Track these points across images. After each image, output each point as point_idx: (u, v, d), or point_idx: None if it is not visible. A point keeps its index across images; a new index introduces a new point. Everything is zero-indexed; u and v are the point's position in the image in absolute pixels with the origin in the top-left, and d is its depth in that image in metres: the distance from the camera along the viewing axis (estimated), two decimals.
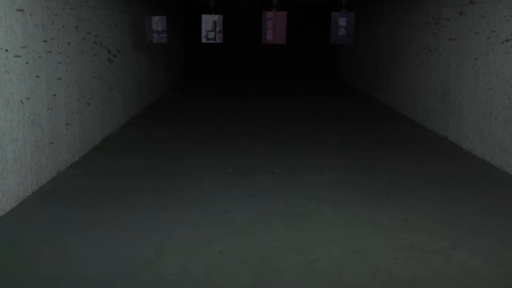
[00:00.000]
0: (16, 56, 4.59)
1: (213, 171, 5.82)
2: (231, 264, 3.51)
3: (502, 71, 5.77)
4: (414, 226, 4.25)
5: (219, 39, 7.87)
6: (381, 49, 10.94)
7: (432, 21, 7.86)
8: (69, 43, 5.89)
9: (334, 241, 3.94)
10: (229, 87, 14.10)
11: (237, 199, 4.91)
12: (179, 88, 13.92)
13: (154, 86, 11.29)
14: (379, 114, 9.68)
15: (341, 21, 7.30)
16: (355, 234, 4.09)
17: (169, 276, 3.32)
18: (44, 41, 5.20)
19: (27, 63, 4.82)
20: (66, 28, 5.82)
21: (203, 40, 7.86)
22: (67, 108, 5.86)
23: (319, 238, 4.00)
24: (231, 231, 4.11)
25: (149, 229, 4.14)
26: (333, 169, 5.91)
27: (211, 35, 7.81)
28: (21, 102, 4.70)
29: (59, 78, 5.62)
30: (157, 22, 8.42)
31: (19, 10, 4.66)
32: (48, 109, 5.32)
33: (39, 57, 5.10)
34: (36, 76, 5.03)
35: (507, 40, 5.63)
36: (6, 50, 4.42)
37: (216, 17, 7.76)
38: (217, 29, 7.79)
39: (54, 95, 5.49)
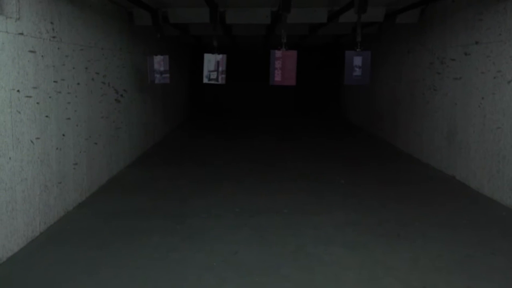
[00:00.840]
0: (27, 96, 4.63)
1: (220, 211, 5.79)
2: None
3: (509, 110, 5.79)
4: (427, 267, 4.19)
5: (221, 80, 7.35)
6: (386, 88, 11.01)
7: (436, 61, 7.94)
8: (78, 84, 5.95)
9: (346, 283, 3.89)
10: (234, 126, 14.15)
11: (246, 239, 4.86)
12: (184, 127, 13.98)
13: (160, 126, 11.34)
14: (385, 153, 9.67)
15: (356, 60, 6.66)
16: (367, 275, 4.04)
17: None
18: (54, 81, 5.25)
19: (37, 103, 4.86)
20: (76, 69, 5.88)
21: (205, 80, 7.38)
22: (75, 148, 5.87)
23: (331, 280, 3.95)
24: (241, 272, 4.07)
25: (159, 270, 4.10)
26: (341, 209, 5.88)
27: (213, 75, 7.32)
28: (31, 142, 4.72)
29: (68, 118, 5.66)
30: (159, 62, 7.88)
31: (31, 51, 4.72)
32: (57, 149, 5.33)
33: (50, 97, 5.14)
34: (46, 116, 5.06)
35: None
36: (18, 91, 4.46)
37: (219, 57, 7.30)
38: (220, 69, 7.32)
39: (63, 135, 5.51)
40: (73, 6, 5.82)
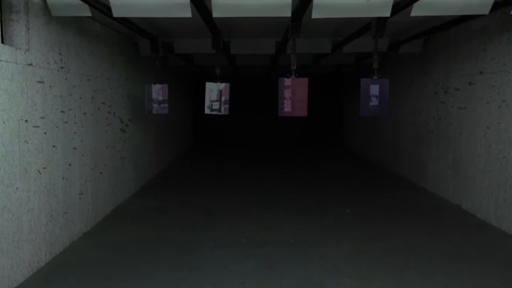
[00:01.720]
0: (35, 126, 4.65)
1: (226, 241, 5.75)
2: None
3: None
4: None
5: (224, 111, 6.91)
6: (389, 118, 11.04)
7: (441, 90, 7.98)
8: (85, 113, 5.98)
9: None
10: (237, 156, 14.16)
11: (253, 270, 4.81)
12: (188, 156, 13.99)
13: (164, 155, 11.36)
14: (389, 182, 9.64)
15: (373, 89, 6.11)
16: None
17: None
18: (61, 111, 5.28)
19: (45, 133, 4.87)
20: (83, 99, 5.92)
21: (206, 111, 6.92)
22: (81, 178, 5.87)
23: None
24: None
25: None
26: (348, 239, 5.84)
27: (216, 105, 6.88)
28: (38, 171, 4.72)
29: (75, 148, 5.67)
30: (158, 91, 7.50)
31: (39, 81, 4.75)
32: (63, 178, 5.33)
33: (57, 127, 5.16)
34: (53, 146, 5.07)
35: None
36: (26, 121, 4.48)
37: (222, 86, 6.85)
38: (223, 99, 6.88)
39: (70, 165, 5.51)
40: (81, 37, 5.88)
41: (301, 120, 16.99)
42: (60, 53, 5.26)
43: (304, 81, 6.14)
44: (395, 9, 4.94)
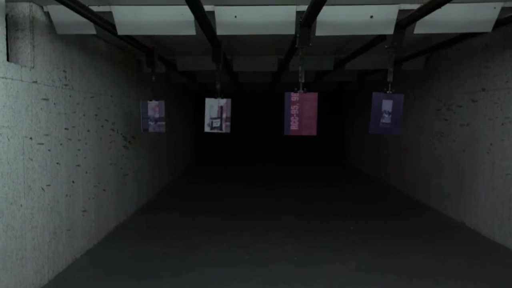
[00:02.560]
0: (39, 143, 4.66)
1: (230, 258, 5.73)
2: None
3: None
4: None
5: (225, 129, 6.39)
6: (392, 135, 11.02)
7: (443, 107, 7.99)
8: (88, 131, 5.99)
9: None
10: (240, 172, 14.14)
11: None
12: (190, 173, 13.97)
13: (166, 172, 11.35)
14: (392, 199, 9.61)
15: (386, 105, 5.56)
16: None
17: None
18: (65, 128, 5.29)
19: (49, 150, 4.88)
20: (86, 116, 5.93)
21: (206, 129, 6.39)
22: (84, 195, 5.86)
23: None
24: None
25: None
26: (352, 255, 5.81)
27: (216, 123, 6.37)
28: (42, 189, 4.72)
29: (78, 165, 5.67)
30: (154, 108, 7.00)
31: (44, 99, 4.77)
32: (66, 195, 5.32)
33: (60, 144, 5.17)
34: (57, 163, 5.07)
35: None
36: (31, 138, 4.49)
37: (223, 101, 6.36)
38: (224, 116, 6.37)
39: (73, 182, 5.51)
40: (85, 54, 5.91)
41: (303, 137, 16.99)
42: (64, 71, 5.29)
43: (313, 96, 5.53)
44: (398, 26, 4.97)
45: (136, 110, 8.26)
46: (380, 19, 4.87)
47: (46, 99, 4.83)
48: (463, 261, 5.62)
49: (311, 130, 5.56)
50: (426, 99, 8.83)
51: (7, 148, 4.11)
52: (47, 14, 4.88)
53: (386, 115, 5.60)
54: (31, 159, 4.51)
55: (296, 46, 5.04)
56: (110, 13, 4.81)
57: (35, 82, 4.61)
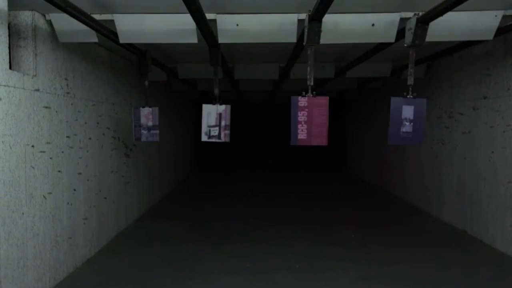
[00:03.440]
0: (41, 151, 4.66)
1: (231, 266, 5.71)
2: None
3: None
4: None
5: (224, 137, 5.85)
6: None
7: (444, 115, 8.00)
8: (90, 138, 5.99)
9: None
10: (240, 180, 14.14)
11: None
12: (191, 181, 13.97)
13: (167, 180, 11.35)
14: (393, 207, 9.60)
15: (406, 111, 4.86)
16: None
17: None
18: (67, 136, 5.29)
19: (51, 158, 4.88)
20: (88, 124, 5.93)
21: (203, 138, 5.84)
22: (85, 203, 5.86)
23: None
24: None
25: None
26: (354, 263, 5.79)
27: (214, 131, 5.85)
28: (44, 197, 4.72)
29: (79, 173, 5.67)
30: (147, 115, 6.50)
31: (46, 107, 4.78)
32: (68, 203, 5.32)
33: (62, 152, 5.17)
34: (59, 171, 5.07)
35: None
36: (33, 146, 4.49)
37: (221, 108, 5.86)
38: (223, 123, 5.87)
39: (74, 190, 5.51)
40: (86, 62, 5.93)
41: (304, 145, 16.97)
42: (66, 79, 5.30)
43: (324, 100, 4.89)
44: (399, 35, 4.98)
45: None
46: (381, 27, 4.88)
47: (48, 107, 4.83)
48: (465, 269, 5.61)
49: (322, 139, 4.96)
50: (427, 106, 8.81)
51: (9, 156, 4.11)
52: (50, 23, 4.90)
53: (407, 123, 4.89)
54: (33, 167, 4.51)
55: (304, 43, 4.47)
56: (112, 21, 4.82)
57: (37, 90, 4.62)
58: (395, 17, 4.79)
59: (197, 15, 4.13)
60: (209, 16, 4.66)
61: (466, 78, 7.22)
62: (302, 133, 4.92)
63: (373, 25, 4.86)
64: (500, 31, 4.99)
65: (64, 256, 5.21)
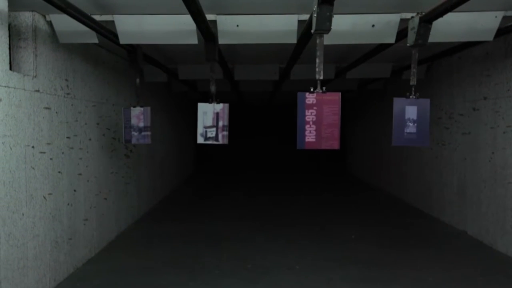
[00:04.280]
0: (41, 152, 4.65)
1: (232, 267, 5.71)
2: None
3: None
4: None
5: (222, 139, 5.36)
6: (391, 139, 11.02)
7: (444, 116, 8.00)
8: (90, 139, 5.99)
9: None
10: (240, 180, 14.14)
11: None
12: (191, 182, 13.96)
13: (167, 180, 11.34)
14: (393, 208, 9.60)
15: (410, 112, 4.72)
16: None
17: None
18: (67, 137, 5.29)
19: (51, 159, 4.88)
20: (88, 125, 5.93)
21: (199, 140, 5.35)
22: (86, 204, 5.86)
23: None
24: None
25: None
26: (354, 264, 5.79)
27: (211, 133, 5.36)
28: (44, 198, 4.72)
29: (80, 174, 5.67)
30: (138, 116, 6.05)
31: (46, 108, 4.78)
32: (68, 204, 5.32)
33: (62, 153, 5.17)
34: (59, 172, 5.07)
35: None
36: (33, 147, 4.49)
37: (219, 107, 5.38)
38: (221, 124, 5.38)
39: (75, 191, 5.51)
40: (87, 63, 5.93)
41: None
42: (66, 79, 5.30)
43: (335, 97, 4.37)
44: (399, 35, 4.98)
45: None
46: (382, 28, 4.88)
47: (48, 108, 4.83)
48: (465, 270, 5.60)
49: (333, 142, 4.40)
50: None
51: (10, 157, 4.11)
52: (50, 23, 4.90)
53: (411, 124, 4.74)
54: (33, 168, 4.51)
55: (312, 31, 3.97)
56: (112, 22, 4.82)
57: (38, 91, 4.62)
58: (395, 17, 4.79)
59: (198, 16, 4.12)
60: (209, 17, 4.66)
61: (466, 79, 7.22)
62: (310, 135, 4.39)
63: (373, 26, 4.86)
64: (500, 32, 4.99)
65: (64, 257, 5.21)
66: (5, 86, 4.05)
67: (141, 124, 6.08)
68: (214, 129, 5.37)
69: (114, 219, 7.00)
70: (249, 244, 6.75)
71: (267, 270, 5.58)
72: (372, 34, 4.94)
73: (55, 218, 4.99)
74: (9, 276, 4.11)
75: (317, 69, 4.17)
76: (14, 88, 4.20)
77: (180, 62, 8.31)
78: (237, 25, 4.88)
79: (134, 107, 6.06)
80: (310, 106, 4.34)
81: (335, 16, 4.54)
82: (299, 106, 4.35)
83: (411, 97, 4.74)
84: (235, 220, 8.44)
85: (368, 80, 10.31)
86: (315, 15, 3.86)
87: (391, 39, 5.02)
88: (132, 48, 5.82)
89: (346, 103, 16.90)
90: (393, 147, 10.99)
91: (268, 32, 4.95)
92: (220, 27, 4.88)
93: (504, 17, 4.81)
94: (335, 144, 4.37)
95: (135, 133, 6.08)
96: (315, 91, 4.32)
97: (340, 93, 4.36)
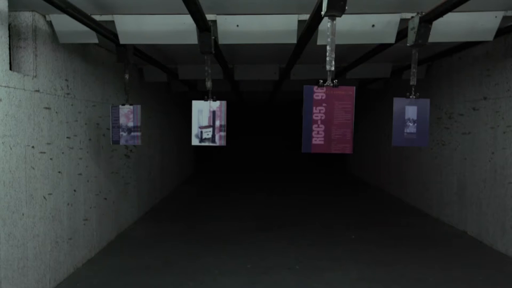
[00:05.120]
0: (41, 152, 4.65)
1: (232, 267, 5.71)
2: None
3: None
4: None
5: (219, 140, 4.89)
6: (391, 139, 11.02)
7: (444, 116, 8.00)
8: (90, 139, 5.99)
9: None
10: (240, 180, 14.14)
11: None
12: (191, 181, 13.96)
13: (167, 180, 11.34)
14: (393, 208, 9.60)
15: (410, 112, 4.59)
16: None
17: None
18: (67, 137, 5.29)
19: (51, 159, 4.88)
20: (88, 125, 5.93)
21: (194, 142, 4.95)
22: (86, 204, 5.86)
23: None
24: None
25: None
26: (354, 264, 5.79)
27: (207, 133, 4.90)
28: (44, 198, 4.72)
29: (80, 174, 5.67)
30: (127, 115, 5.60)
31: (46, 108, 4.78)
32: (68, 204, 5.32)
33: (62, 153, 5.17)
34: (59, 172, 5.07)
35: None
36: (33, 147, 4.49)
37: (215, 105, 4.92)
38: (218, 123, 4.89)
39: (75, 191, 5.51)
40: (87, 63, 5.93)
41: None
42: (66, 80, 5.30)
43: (349, 91, 3.86)
44: (399, 35, 4.98)
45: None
46: (382, 28, 4.88)
47: (48, 108, 4.83)
48: (465, 270, 5.61)
49: (345, 146, 3.93)
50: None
51: (10, 157, 4.11)
52: (50, 23, 4.90)
53: (411, 124, 4.62)
54: (33, 168, 4.51)
55: (323, 14, 3.40)
56: (112, 22, 4.82)
57: (38, 91, 4.62)
58: (395, 17, 4.79)
59: (198, 16, 4.12)
60: (209, 17, 4.65)
61: (466, 79, 7.22)
62: (318, 137, 3.82)
63: (373, 26, 4.86)
64: (500, 32, 5.00)
65: (64, 257, 5.21)
66: (5, 86, 4.05)
67: (131, 124, 5.63)
68: (211, 129, 4.92)
69: (114, 219, 7.00)
70: (249, 244, 6.75)
71: (267, 270, 5.58)
72: (372, 34, 4.93)
73: (55, 218, 4.99)
74: (9, 276, 4.11)
75: (327, 58, 3.57)
76: (14, 88, 4.20)
77: (180, 62, 8.31)
78: (237, 25, 4.88)
79: (123, 105, 5.62)
80: (319, 103, 3.78)
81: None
82: (305, 102, 3.77)
83: (411, 97, 4.66)
84: (235, 220, 8.45)
85: (368, 80, 10.31)
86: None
87: (391, 39, 5.02)
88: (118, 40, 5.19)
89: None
90: (393, 147, 11.00)
91: (268, 32, 4.95)
92: (220, 27, 4.88)
93: (504, 17, 4.81)
94: (347, 148, 3.92)
95: (123, 134, 5.64)
96: (325, 84, 3.72)
97: (354, 87, 3.86)
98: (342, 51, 7.04)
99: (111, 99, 6.84)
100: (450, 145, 7.81)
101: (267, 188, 12.53)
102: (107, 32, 4.87)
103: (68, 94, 5.33)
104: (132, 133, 5.60)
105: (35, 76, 4.60)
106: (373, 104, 12.79)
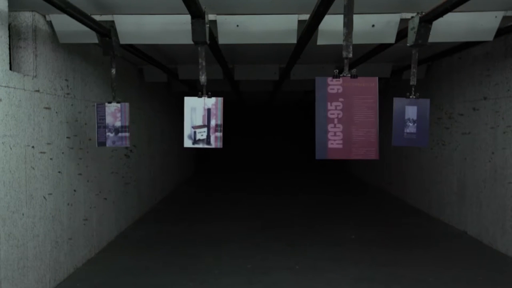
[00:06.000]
0: (41, 152, 4.65)
1: (232, 267, 5.71)
2: None
3: None
4: None
5: (215, 142, 4.35)
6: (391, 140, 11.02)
7: (444, 116, 8.00)
8: (90, 139, 5.98)
9: None
10: (239, 180, 14.14)
11: None
12: (191, 182, 13.97)
13: (167, 181, 11.34)
14: (393, 208, 9.60)
15: (410, 112, 4.44)
16: None
17: None
18: (67, 137, 5.29)
19: (51, 159, 4.88)
20: (88, 125, 5.93)
21: (186, 143, 4.48)
22: (86, 204, 5.86)
23: None
24: None
25: None
26: (354, 264, 5.79)
27: (201, 134, 4.40)
28: (44, 198, 4.72)
29: (80, 174, 5.67)
30: (114, 114, 5.03)
31: (46, 108, 4.78)
32: (68, 204, 5.32)
33: (62, 153, 5.16)
34: (59, 172, 5.07)
35: None
36: (33, 147, 4.49)
37: (210, 102, 4.40)
38: (213, 123, 4.36)
39: (75, 191, 5.51)
40: (86, 63, 5.93)
41: (302, 146, 16.96)
42: (66, 79, 5.30)
43: (372, 83, 3.40)
44: (399, 35, 4.98)
45: (137, 118, 8.27)
46: (382, 28, 4.88)
47: (48, 108, 4.83)
48: (465, 269, 5.60)
49: (369, 150, 3.42)
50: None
51: (10, 157, 4.11)
52: (50, 23, 4.90)
53: (411, 124, 4.47)
54: (33, 168, 4.51)
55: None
56: (112, 22, 4.82)
57: (38, 91, 4.62)
58: (395, 18, 4.79)
59: (197, 16, 4.12)
60: (209, 17, 4.65)
61: (466, 79, 7.22)
62: (334, 140, 3.25)
63: (373, 26, 4.86)
64: (500, 32, 5.00)
65: (64, 257, 5.21)
66: (5, 86, 4.05)
67: (118, 124, 5.05)
68: (205, 129, 4.40)
69: (114, 219, 7.00)
70: (249, 244, 6.75)
71: (267, 270, 5.58)
72: (372, 34, 4.93)
73: (55, 218, 4.99)
74: (9, 276, 4.11)
75: (344, 43, 3.05)
76: (14, 88, 4.20)
77: (180, 62, 8.31)
78: (237, 25, 4.88)
79: (110, 102, 5.05)
80: (335, 97, 3.23)
81: (335, 16, 4.53)
82: (317, 97, 3.21)
83: (411, 97, 4.56)
84: (235, 220, 8.45)
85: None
86: None
87: (391, 39, 5.02)
88: (104, 31, 4.72)
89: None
90: (393, 146, 10.99)
91: (268, 32, 4.95)
92: (220, 27, 4.88)
93: (504, 17, 4.81)
94: (371, 153, 3.38)
95: (110, 134, 5.04)
96: (342, 75, 3.23)
97: (377, 78, 3.37)
98: (341, 51, 7.04)
99: (111, 99, 6.83)
100: (450, 145, 7.81)
101: (267, 188, 12.53)
102: (107, 32, 4.85)
103: (68, 94, 5.33)
104: (120, 134, 5.06)
105: (35, 76, 4.60)
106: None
